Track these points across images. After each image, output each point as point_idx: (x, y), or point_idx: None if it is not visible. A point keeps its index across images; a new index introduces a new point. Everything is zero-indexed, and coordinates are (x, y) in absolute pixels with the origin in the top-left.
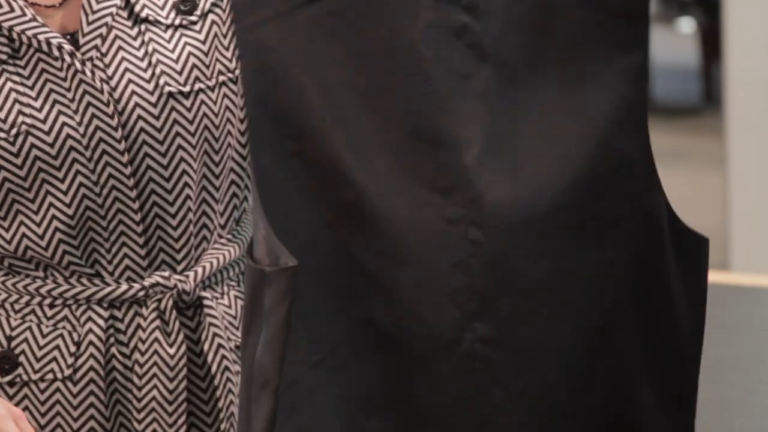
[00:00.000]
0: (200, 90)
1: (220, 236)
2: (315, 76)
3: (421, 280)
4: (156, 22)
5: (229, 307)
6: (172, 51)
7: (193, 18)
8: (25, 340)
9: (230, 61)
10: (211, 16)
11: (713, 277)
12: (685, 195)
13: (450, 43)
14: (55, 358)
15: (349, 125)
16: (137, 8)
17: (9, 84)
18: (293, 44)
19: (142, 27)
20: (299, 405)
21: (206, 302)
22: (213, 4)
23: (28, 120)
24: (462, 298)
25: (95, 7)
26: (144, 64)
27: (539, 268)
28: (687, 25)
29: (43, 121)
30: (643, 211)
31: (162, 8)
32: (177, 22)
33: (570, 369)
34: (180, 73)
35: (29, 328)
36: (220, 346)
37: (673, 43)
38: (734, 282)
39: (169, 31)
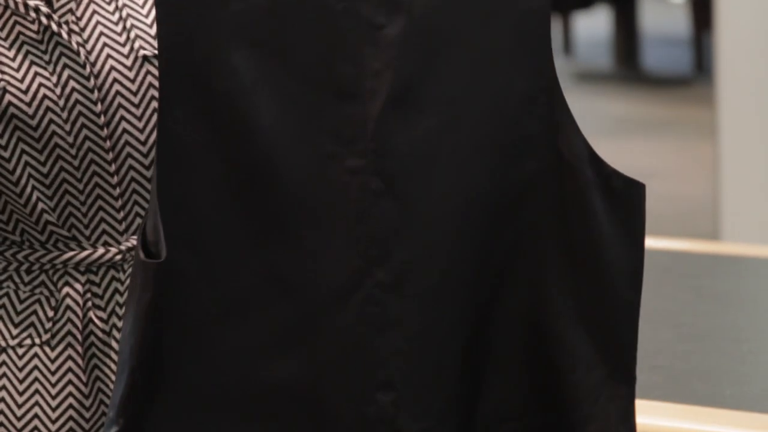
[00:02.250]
0: None
1: None
2: (226, 32)
3: (323, 230)
4: None
5: None
6: (146, 16)
7: None
8: (3, 306)
9: None
10: None
11: (704, 247)
12: (676, 164)
13: None
14: (32, 324)
15: (258, 81)
16: None
17: None
18: (207, 1)
19: None
20: (203, 355)
21: None
22: None
23: (6, 78)
24: (362, 245)
25: None
26: (119, 29)
27: (440, 214)
28: None
29: (21, 81)
30: (554, 153)
31: None
32: None
33: (474, 310)
34: (154, 37)
35: (6, 294)
36: None
37: (663, 12)
38: (725, 252)
39: None
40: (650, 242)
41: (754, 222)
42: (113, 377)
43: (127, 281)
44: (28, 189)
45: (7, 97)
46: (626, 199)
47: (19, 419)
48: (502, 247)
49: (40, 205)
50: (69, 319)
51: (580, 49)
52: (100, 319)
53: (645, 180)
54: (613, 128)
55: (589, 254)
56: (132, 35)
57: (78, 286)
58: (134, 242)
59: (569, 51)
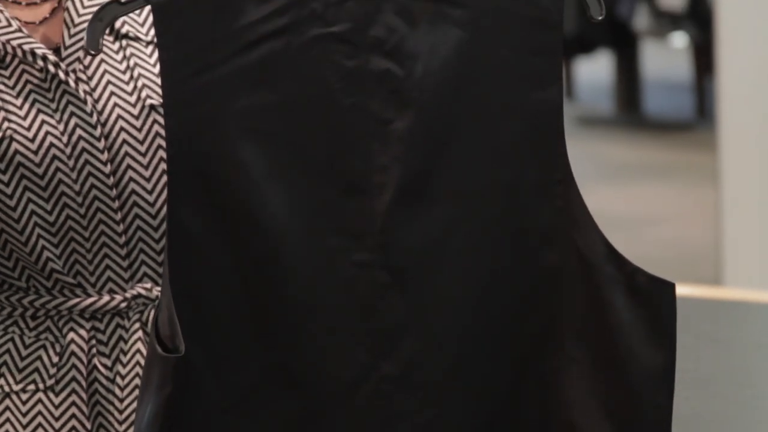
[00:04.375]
0: None
1: None
2: (235, 127)
3: (330, 324)
4: (136, 38)
5: None
6: (154, 66)
7: None
8: (8, 351)
9: None
10: None
11: (706, 292)
12: (678, 209)
13: (371, 90)
14: (37, 369)
15: (266, 175)
16: (118, 24)
17: None
18: (215, 97)
19: (123, 42)
20: None
21: None
22: None
23: (13, 126)
24: (370, 339)
25: (77, 20)
26: (126, 77)
27: (450, 307)
28: (680, 39)
29: (28, 129)
30: (571, 247)
31: (142, 25)
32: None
33: (488, 405)
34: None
35: (11, 339)
36: None
37: (665, 57)
38: (727, 297)
39: (150, 47)
40: None
41: (756, 267)
42: (116, 425)
43: (132, 328)
44: (34, 237)
45: (14, 145)
46: (653, 297)
47: None
48: (517, 341)
49: (46, 253)
50: (73, 366)
51: (581, 93)
52: (105, 366)
53: (646, 225)
54: (614, 173)
55: (612, 354)
56: (139, 84)
57: (83, 333)
58: (140, 290)
59: (571, 95)
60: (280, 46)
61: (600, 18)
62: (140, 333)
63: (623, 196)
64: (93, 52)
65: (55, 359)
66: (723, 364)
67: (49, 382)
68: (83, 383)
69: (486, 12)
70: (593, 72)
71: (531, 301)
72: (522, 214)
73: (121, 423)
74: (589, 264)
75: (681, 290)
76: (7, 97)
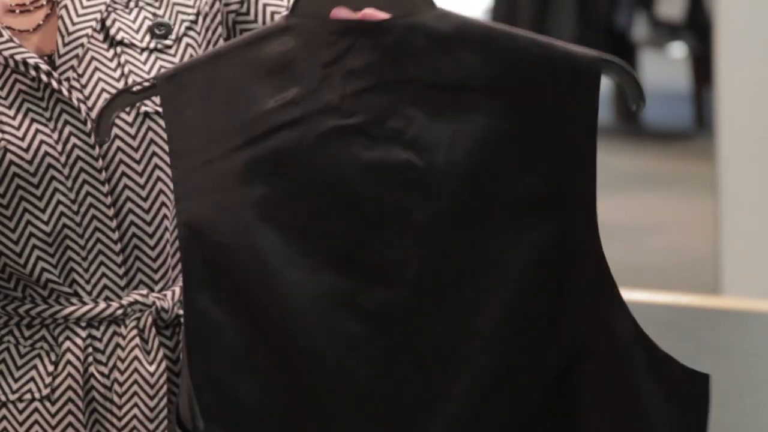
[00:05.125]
0: None
1: None
2: (252, 216)
3: (351, 409)
4: (131, 45)
5: None
6: (148, 72)
7: (168, 42)
8: (3, 360)
9: None
10: (185, 40)
11: (705, 301)
12: (677, 219)
13: (391, 181)
14: (32, 378)
15: (285, 262)
16: (112, 31)
17: None
18: (229, 186)
19: (118, 49)
20: None
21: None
22: (188, 28)
23: (7, 137)
24: (395, 425)
25: (71, 29)
26: (120, 85)
27: (474, 391)
28: (678, 49)
29: (21, 139)
30: (599, 326)
31: (137, 32)
32: (152, 45)
33: None
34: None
35: (7, 348)
36: None
37: (664, 67)
38: (726, 306)
39: (144, 54)
40: (651, 296)
41: (755, 276)
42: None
43: (129, 335)
44: (29, 247)
45: (8, 156)
46: (686, 388)
47: None
48: (543, 424)
49: (41, 264)
50: (69, 374)
51: None
52: (101, 374)
53: (646, 234)
54: (614, 182)
55: None
56: None
57: (79, 341)
58: (136, 297)
59: None
60: (295, 137)
61: (635, 109)
62: (137, 340)
63: (623, 205)
64: (104, 140)
65: (51, 368)
66: (722, 372)
67: (45, 391)
68: (80, 392)
69: (516, 97)
70: None
71: (556, 383)
72: (548, 294)
73: (120, 430)
74: (619, 344)
75: (680, 299)
76: (0, 108)
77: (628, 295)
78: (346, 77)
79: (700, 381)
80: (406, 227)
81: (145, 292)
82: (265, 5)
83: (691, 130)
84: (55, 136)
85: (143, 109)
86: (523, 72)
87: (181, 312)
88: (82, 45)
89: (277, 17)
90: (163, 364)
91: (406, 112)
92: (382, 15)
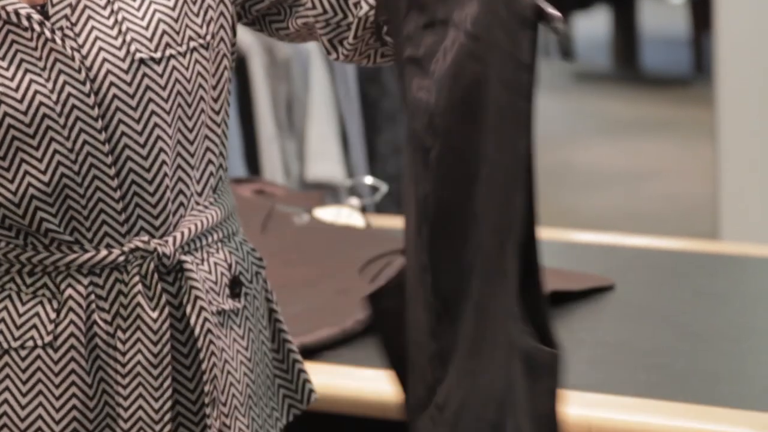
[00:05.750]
0: (171, 56)
1: (198, 203)
2: None
3: None
4: None
5: (210, 272)
6: (142, 18)
7: None
8: (5, 308)
9: (200, 27)
10: None
11: (704, 246)
12: (676, 164)
13: (420, 119)
14: (35, 326)
15: None
16: None
17: None
18: None
19: None
20: None
21: (186, 266)
22: None
23: (0, 89)
24: None
25: None
26: (114, 32)
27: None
28: None
29: (16, 90)
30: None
31: None
32: None
33: None
34: (150, 40)
35: (9, 296)
36: (202, 308)
37: (663, 13)
38: (724, 251)
39: (138, 1)
40: (650, 241)
41: (753, 221)
42: (118, 378)
43: (131, 282)
44: (27, 198)
45: (3, 107)
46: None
47: (22, 420)
48: None
49: (40, 214)
50: (72, 321)
51: (579, 49)
52: (104, 320)
53: (644, 180)
54: (612, 128)
55: None
56: (128, 38)
57: (81, 288)
58: (137, 243)
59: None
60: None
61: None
62: (140, 286)
63: (621, 151)
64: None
65: (53, 315)
66: (720, 317)
67: (48, 339)
68: (82, 339)
69: (491, 47)
70: (591, 28)
71: None
72: None
73: (124, 376)
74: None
75: (678, 244)
76: None
77: (626, 240)
78: (420, 11)
79: (550, 359)
80: (426, 166)
81: (146, 238)
82: None
83: (689, 75)
84: (50, 86)
85: (138, 55)
86: (486, 16)
87: (182, 257)
88: None
89: None
90: (166, 310)
91: (439, 54)
92: None
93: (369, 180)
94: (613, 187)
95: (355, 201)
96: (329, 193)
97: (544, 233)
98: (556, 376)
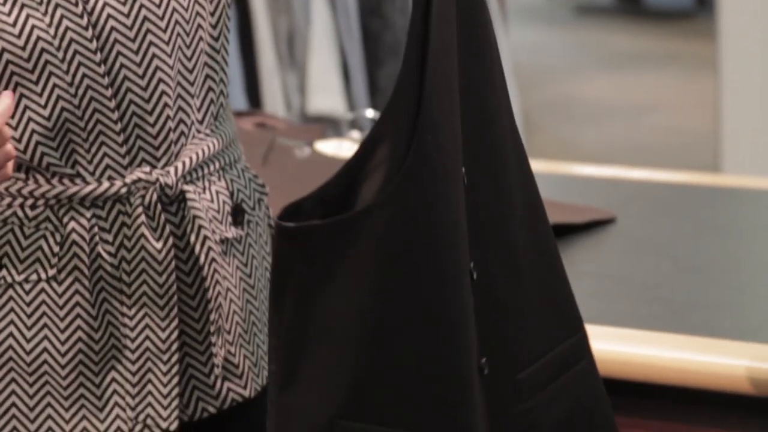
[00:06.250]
0: None
1: (198, 131)
2: None
3: None
4: None
5: (212, 201)
6: None
7: None
8: (8, 242)
9: None
10: None
11: (705, 179)
12: (677, 98)
13: None
14: (38, 259)
15: None
16: None
17: None
18: None
19: None
20: None
21: (189, 196)
22: None
23: None
24: None
25: None
26: None
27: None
28: None
29: (13, 25)
30: None
31: None
32: None
33: None
34: None
35: (11, 230)
36: (206, 238)
37: None
38: (725, 184)
39: None
40: (650, 174)
41: (754, 154)
42: (124, 309)
43: (135, 213)
44: (27, 133)
45: (1, 43)
46: None
47: (28, 353)
48: None
49: (41, 149)
50: (75, 254)
51: None
52: (108, 253)
53: (646, 113)
54: (614, 62)
55: None
56: None
57: (83, 221)
58: (139, 174)
59: None
60: None
61: None
62: (143, 218)
63: (623, 84)
64: None
65: (56, 248)
66: (720, 250)
67: (51, 272)
68: (86, 271)
69: None
70: None
71: None
72: None
73: (129, 307)
74: None
75: (679, 177)
76: None
77: (627, 173)
78: None
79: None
80: None
81: (148, 169)
82: None
83: (691, 8)
84: (47, 20)
85: None
86: None
87: (185, 187)
88: None
89: None
90: (170, 241)
91: None
92: None
93: (370, 113)
94: (615, 120)
95: (356, 134)
96: (330, 126)
97: (546, 166)
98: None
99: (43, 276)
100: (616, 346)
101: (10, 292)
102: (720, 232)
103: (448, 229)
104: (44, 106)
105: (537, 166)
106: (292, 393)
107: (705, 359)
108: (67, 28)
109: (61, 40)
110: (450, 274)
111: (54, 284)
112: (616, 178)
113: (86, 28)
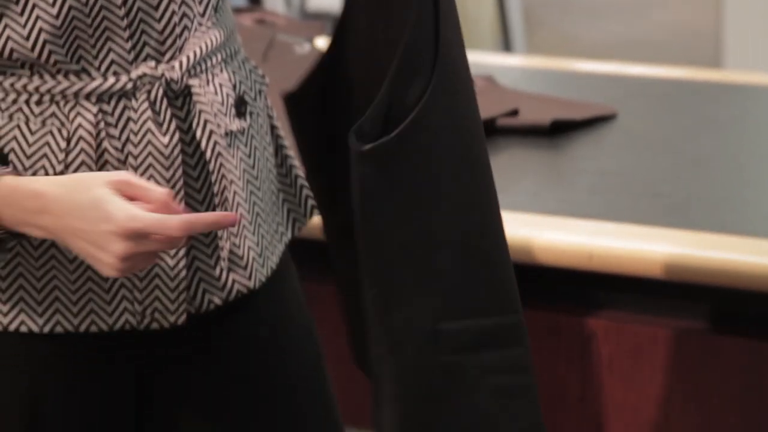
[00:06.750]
0: None
1: (201, 24)
2: None
3: None
4: None
5: (216, 94)
6: None
7: None
8: (14, 138)
9: None
10: None
11: (706, 74)
12: None
13: None
14: (45, 155)
15: None
16: None
17: None
18: None
19: None
20: None
21: (194, 90)
22: None
23: None
24: None
25: None
26: None
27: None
28: None
29: None
30: None
31: None
32: None
33: None
34: None
35: (17, 126)
36: (212, 132)
37: None
38: (727, 79)
39: None
40: (651, 70)
41: (756, 49)
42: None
43: (140, 108)
44: (35, 32)
45: None
46: None
47: (35, 248)
48: None
49: (48, 47)
50: (82, 149)
51: None
52: (115, 148)
53: (647, 8)
54: None
55: None
56: None
57: (89, 116)
58: (145, 70)
59: None
60: None
61: None
62: (149, 112)
63: None
64: None
65: (63, 144)
66: (722, 145)
67: (59, 168)
68: (93, 167)
69: None
70: None
71: None
72: None
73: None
74: None
75: (681, 72)
76: None
77: (628, 69)
78: None
79: None
80: None
81: (153, 64)
82: None
83: None
84: None
85: None
86: None
87: (190, 82)
88: None
89: None
90: (177, 135)
91: None
92: None
93: None
94: (616, 15)
95: None
96: (330, 22)
97: (547, 63)
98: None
99: (51, 172)
100: (617, 242)
101: None
102: (721, 127)
103: (477, 117)
104: (52, 4)
105: (537, 62)
106: (396, 310)
107: (706, 254)
108: None
109: None
110: (487, 161)
111: None
112: (617, 74)
113: None
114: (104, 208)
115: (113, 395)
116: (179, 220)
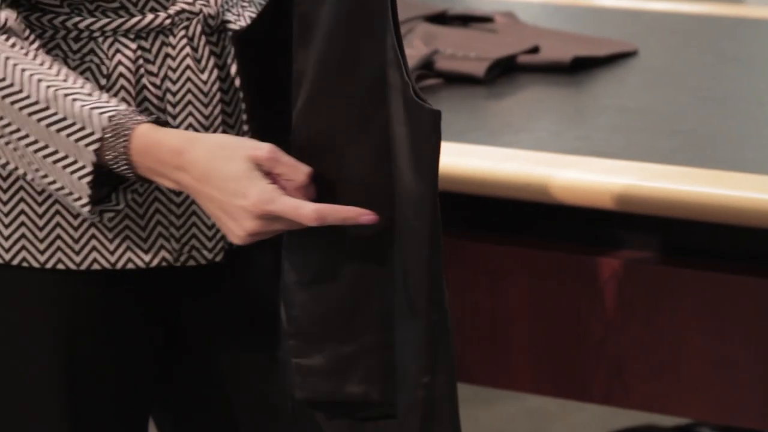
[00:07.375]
0: None
1: None
2: None
3: None
4: None
5: None
6: None
7: None
8: None
9: None
10: None
11: (727, 9)
12: None
13: None
14: None
15: None
16: None
17: None
18: None
19: None
20: None
21: (230, 26)
22: None
23: None
24: None
25: None
26: None
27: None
28: None
29: None
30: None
31: None
32: None
33: None
34: None
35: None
36: None
37: None
38: (748, 15)
39: None
40: (674, 5)
41: None
42: None
43: (179, 45)
44: None
45: None
46: (421, 116)
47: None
48: None
49: None
50: (122, 86)
51: None
52: (154, 84)
53: None
54: None
55: (387, 161)
56: None
57: (129, 53)
58: (182, 5)
59: None
60: None
61: None
62: (188, 49)
63: None
64: None
65: (103, 81)
66: (743, 82)
67: None
68: (133, 104)
69: None
70: None
71: None
72: None
73: None
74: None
75: (701, 8)
76: None
77: (649, 5)
78: None
79: (429, 114)
80: None
81: (190, 0)
82: None
83: None
84: None
85: None
86: None
87: (227, 17)
88: None
89: None
90: (215, 72)
91: None
92: None
93: None
94: None
95: None
96: None
97: None
98: (440, 133)
99: None
100: (638, 181)
101: None
102: (743, 63)
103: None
104: None
105: None
106: None
107: (728, 193)
108: None
109: None
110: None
111: None
112: (637, 10)
113: None
114: (243, 184)
115: (147, 329)
116: (313, 210)
